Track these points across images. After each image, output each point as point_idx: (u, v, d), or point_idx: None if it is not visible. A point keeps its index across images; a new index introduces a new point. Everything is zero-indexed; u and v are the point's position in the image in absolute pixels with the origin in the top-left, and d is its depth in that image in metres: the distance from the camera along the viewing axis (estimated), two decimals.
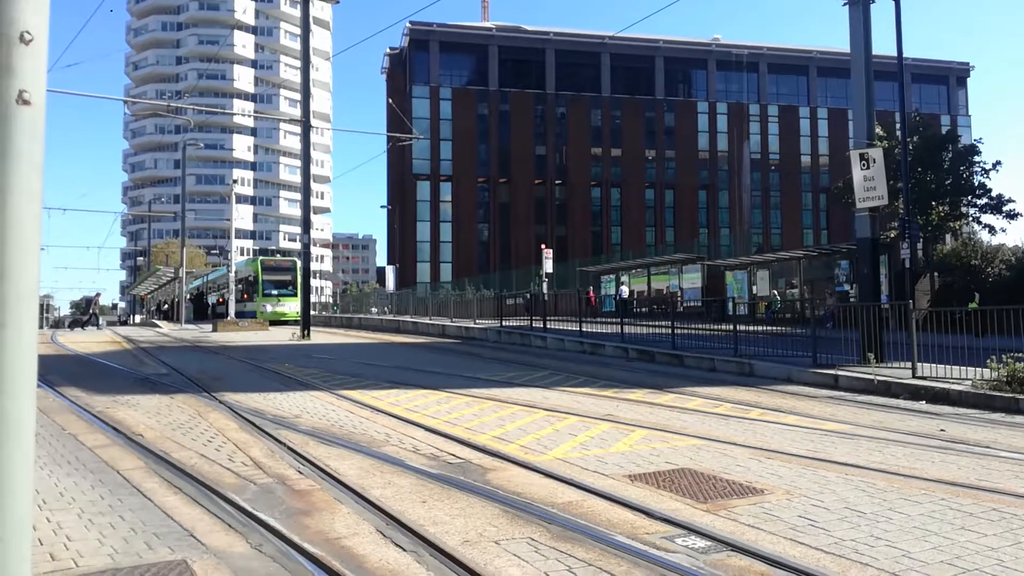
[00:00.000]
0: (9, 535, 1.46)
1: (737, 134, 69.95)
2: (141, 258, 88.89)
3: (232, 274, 41.48)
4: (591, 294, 41.69)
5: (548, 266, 38.65)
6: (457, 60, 66.87)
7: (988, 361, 11.23)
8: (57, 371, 14.73)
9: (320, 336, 28.30)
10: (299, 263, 42.55)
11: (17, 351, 1.49)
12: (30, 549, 1.53)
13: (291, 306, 40.89)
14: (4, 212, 1.50)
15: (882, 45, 18.26)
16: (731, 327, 17.19)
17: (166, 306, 59.40)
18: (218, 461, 6.97)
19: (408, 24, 63.95)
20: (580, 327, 23.00)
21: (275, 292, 41.69)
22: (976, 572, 4.06)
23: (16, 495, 1.48)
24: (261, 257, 47.25)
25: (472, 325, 28.02)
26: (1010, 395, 10.44)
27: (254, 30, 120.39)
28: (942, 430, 8.71)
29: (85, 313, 43.33)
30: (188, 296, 52.54)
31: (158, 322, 45.96)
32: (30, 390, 1.53)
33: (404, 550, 4.47)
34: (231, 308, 40.31)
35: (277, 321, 38.94)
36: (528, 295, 32.51)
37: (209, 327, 35.67)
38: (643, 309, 37.70)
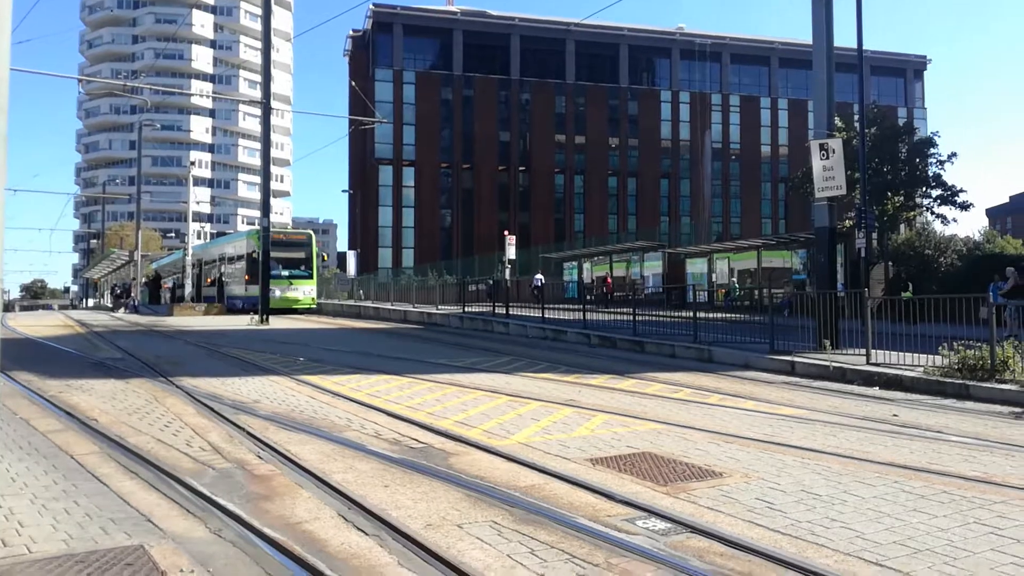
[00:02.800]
0: None
1: (699, 123, 70.42)
2: (95, 241, 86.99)
3: (189, 257, 40.61)
4: (608, 280, 39.81)
5: (511, 252, 38.61)
6: (421, 44, 66.19)
7: (940, 348, 11.51)
8: (7, 355, 14.37)
9: (279, 321, 28.00)
10: (314, 237, 37.82)
11: None
12: None
13: (305, 290, 34.84)
14: None
15: (842, 37, 18.49)
16: (691, 314, 17.37)
17: (119, 290, 58.33)
18: (175, 446, 6.87)
19: (371, 6, 63.10)
20: (542, 314, 23.07)
21: (285, 273, 33.98)
22: (927, 552, 4.17)
23: None
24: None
25: (434, 311, 27.94)
26: (960, 381, 10.72)
27: (213, 9, 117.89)
28: (895, 415, 8.91)
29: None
30: (144, 280, 51.61)
31: (112, 305, 45.06)
32: None
33: (366, 534, 4.46)
34: (187, 292, 39.49)
35: (288, 310, 33.05)
36: (491, 281, 32.46)
37: (164, 311, 35.08)
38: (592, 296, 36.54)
